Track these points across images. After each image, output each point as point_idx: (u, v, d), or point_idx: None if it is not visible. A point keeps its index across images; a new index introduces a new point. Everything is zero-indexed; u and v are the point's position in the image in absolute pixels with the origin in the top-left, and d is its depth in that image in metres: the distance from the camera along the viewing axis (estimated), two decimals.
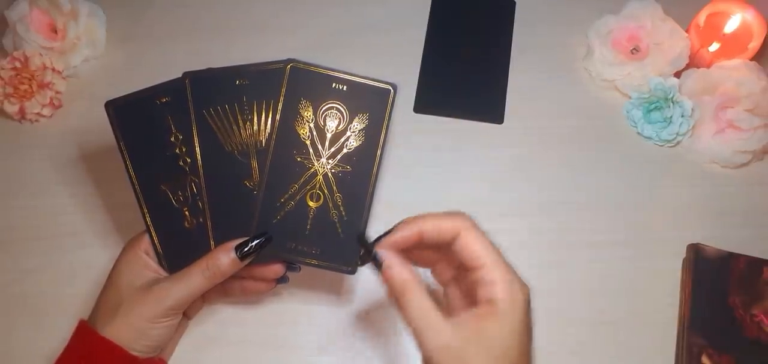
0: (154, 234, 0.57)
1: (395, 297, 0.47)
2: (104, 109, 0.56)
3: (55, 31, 0.78)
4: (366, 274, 0.65)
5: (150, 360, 0.56)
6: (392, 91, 0.56)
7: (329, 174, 0.56)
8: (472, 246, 0.46)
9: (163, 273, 0.57)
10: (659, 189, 0.71)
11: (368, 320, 0.65)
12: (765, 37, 0.72)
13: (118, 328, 0.53)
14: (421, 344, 0.44)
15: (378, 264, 0.48)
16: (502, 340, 0.44)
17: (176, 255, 0.57)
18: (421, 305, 0.45)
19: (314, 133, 0.56)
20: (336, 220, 0.56)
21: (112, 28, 0.82)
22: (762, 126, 0.69)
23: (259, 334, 0.64)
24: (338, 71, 0.56)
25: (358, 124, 0.56)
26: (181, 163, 0.57)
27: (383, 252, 0.48)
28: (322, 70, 0.56)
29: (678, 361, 0.61)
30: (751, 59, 0.72)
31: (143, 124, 0.56)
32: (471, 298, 0.47)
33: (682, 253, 0.66)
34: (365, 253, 0.50)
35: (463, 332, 0.44)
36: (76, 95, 0.78)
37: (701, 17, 0.74)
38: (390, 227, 0.49)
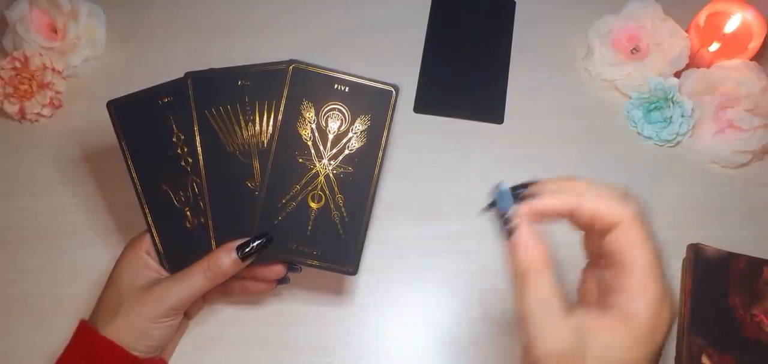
0: (155, 234, 0.57)
1: (516, 275, 0.40)
2: (106, 108, 0.56)
3: (55, 31, 0.78)
4: (366, 274, 0.66)
5: (151, 360, 0.56)
6: (394, 92, 0.56)
7: (331, 175, 0.56)
8: (627, 247, 0.38)
9: (164, 273, 0.57)
10: (659, 189, 0.71)
11: (369, 320, 0.65)
12: (765, 37, 0.72)
13: (119, 328, 0.53)
14: (532, 343, 0.38)
15: (509, 230, 0.40)
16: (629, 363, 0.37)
17: (177, 255, 0.57)
18: (544, 294, 0.38)
19: (316, 134, 0.56)
20: (337, 221, 0.56)
21: (112, 28, 0.82)
22: (762, 126, 0.69)
23: (259, 334, 0.64)
24: (340, 72, 0.56)
25: (359, 126, 0.56)
26: (182, 163, 0.57)
27: (519, 219, 0.40)
28: (324, 71, 0.56)
29: (678, 361, 0.62)
30: (751, 59, 0.72)
31: (145, 124, 0.56)
32: (608, 292, 0.39)
33: (682, 253, 0.67)
34: (495, 204, 0.42)
35: (585, 339, 0.37)
36: (76, 95, 0.77)
37: (701, 17, 0.74)
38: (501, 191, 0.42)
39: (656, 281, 0.37)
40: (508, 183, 0.42)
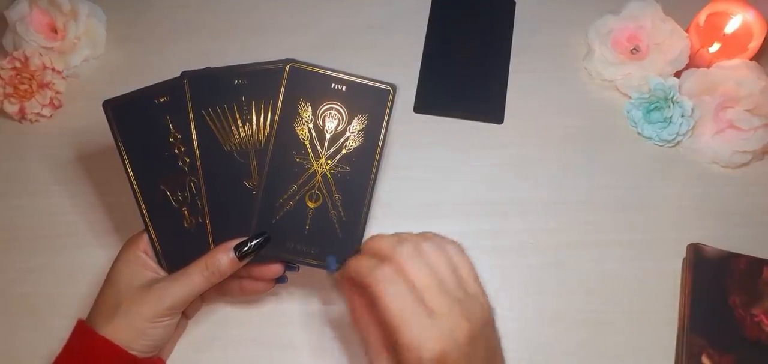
0: (153, 234, 0.57)
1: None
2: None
3: (55, 31, 0.78)
4: None
5: (149, 360, 0.56)
6: (392, 91, 0.55)
7: (328, 174, 0.56)
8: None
9: (161, 273, 0.57)
10: (659, 189, 0.71)
11: None
12: (765, 37, 0.72)
13: (117, 328, 0.53)
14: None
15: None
16: None
17: (175, 255, 0.57)
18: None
19: (313, 133, 0.56)
20: (335, 220, 0.56)
21: (112, 28, 0.82)
22: (762, 126, 0.69)
23: (257, 334, 0.64)
24: (337, 71, 0.56)
25: (357, 125, 0.56)
26: (180, 163, 0.57)
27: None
28: (321, 71, 0.56)
29: (678, 361, 0.61)
30: (751, 59, 0.72)
31: (142, 123, 0.56)
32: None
33: (682, 253, 0.66)
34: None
35: None
36: (76, 95, 0.78)
37: (701, 17, 0.74)
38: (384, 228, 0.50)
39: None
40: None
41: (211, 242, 0.57)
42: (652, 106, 0.72)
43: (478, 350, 0.45)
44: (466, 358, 0.43)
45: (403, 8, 0.83)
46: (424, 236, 0.50)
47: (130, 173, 0.56)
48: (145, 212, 0.57)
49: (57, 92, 0.76)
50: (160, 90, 0.56)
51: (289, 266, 0.59)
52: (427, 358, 0.42)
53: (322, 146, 0.56)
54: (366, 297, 0.46)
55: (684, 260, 0.66)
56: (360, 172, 0.56)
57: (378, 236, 0.49)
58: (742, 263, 0.64)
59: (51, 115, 0.76)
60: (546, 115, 0.75)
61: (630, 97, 0.75)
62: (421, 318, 0.43)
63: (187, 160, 0.56)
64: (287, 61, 0.56)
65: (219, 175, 0.57)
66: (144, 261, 0.56)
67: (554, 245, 0.68)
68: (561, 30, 0.81)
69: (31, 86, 0.74)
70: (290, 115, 0.56)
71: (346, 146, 0.56)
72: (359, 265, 0.47)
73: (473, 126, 0.75)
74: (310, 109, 0.56)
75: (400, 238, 0.48)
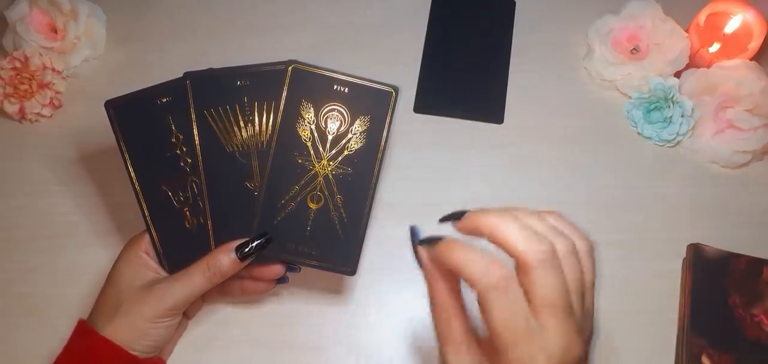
0: (154, 234, 0.57)
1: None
2: (104, 108, 0.56)
3: (55, 31, 0.78)
4: (365, 274, 0.66)
5: (149, 360, 0.56)
6: (394, 93, 0.55)
7: (330, 176, 0.56)
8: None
9: (162, 273, 0.57)
10: (659, 189, 0.71)
11: (368, 320, 0.65)
12: (765, 37, 0.72)
13: (118, 328, 0.53)
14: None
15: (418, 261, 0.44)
16: None
17: (176, 255, 0.57)
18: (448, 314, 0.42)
19: (315, 134, 0.56)
20: (336, 221, 0.56)
21: (112, 28, 0.82)
22: (762, 126, 0.69)
23: (258, 334, 0.64)
24: (340, 73, 0.56)
25: (359, 127, 0.56)
26: (181, 163, 0.57)
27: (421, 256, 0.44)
28: (323, 72, 0.56)
29: (678, 361, 0.62)
30: (751, 59, 0.72)
31: (144, 124, 0.56)
32: None
33: (682, 253, 0.66)
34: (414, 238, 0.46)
35: None
36: (76, 95, 0.77)
37: (701, 17, 0.74)
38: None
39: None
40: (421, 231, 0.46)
41: (212, 243, 0.57)
42: (652, 106, 0.72)
43: None
44: None
45: (403, 8, 0.83)
46: (556, 228, 0.42)
47: (132, 173, 0.56)
48: (146, 212, 0.57)
49: (57, 92, 0.76)
50: (163, 90, 0.56)
51: (291, 266, 0.59)
52: None
53: (324, 147, 0.56)
54: (453, 283, 0.43)
55: (684, 260, 0.66)
56: (362, 174, 0.56)
57: (492, 214, 0.41)
58: (742, 263, 0.64)
59: (51, 115, 0.76)
60: (546, 115, 0.75)
61: (630, 97, 0.75)
62: (533, 336, 0.38)
63: (189, 160, 0.56)
64: (290, 62, 0.56)
65: (221, 176, 0.57)
66: (145, 261, 0.56)
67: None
68: (561, 30, 0.81)
69: (31, 86, 0.74)
70: (292, 116, 0.56)
71: (347, 148, 0.56)
72: (468, 259, 0.40)
73: (473, 126, 0.75)
74: (312, 110, 0.56)
75: (524, 227, 0.40)
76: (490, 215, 0.41)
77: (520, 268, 0.39)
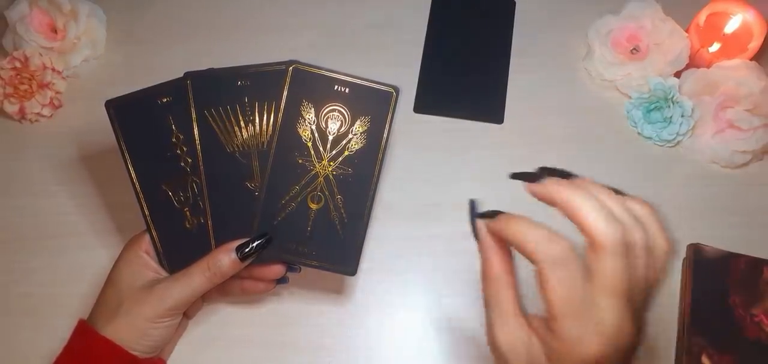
0: (154, 234, 0.57)
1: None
2: (104, 108, 0.56)
3: (55, 31, 0.78)
4: (366, 274, 0.66)
5: (149, 360, 0.56)
6: (394, 94, 0.55)
7: (330, 176, 0.56)
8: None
9: (163, 273, 0.57)
10: (659, 189, 0.71)
11: (369, 320, 0.65)
12: (765, 37, 0.72)
13: (118, 328, 0.53)
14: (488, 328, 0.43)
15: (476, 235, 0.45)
16: None
17: (177, 255, 0.57)
18: (500, 292, 0.43)
19: (316, 135, 0.56)
20: (337, 221, 0.56)
21: (112, 28, 0.82)
22: (762, 126, 0.69)
23: (258, 334, 0.64)
24: (340, 73, 0.56)
25: (359, 127, 0.56)
26: (182, 163, 0.57)
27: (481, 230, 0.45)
28: (324, 72, 0.56)
29: (678, 361, 0.62)
30: (751, 59, 0.72)
31: (144, 124, 0.56)
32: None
33: (682, 253, 0.66)
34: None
35: (532, 344, 0.41)
36: (76, 95, 0.77)
37: (701, 17, 0.74)
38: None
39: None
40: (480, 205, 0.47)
41: (212, 243, 0.57)
42: (652, 106, 0.72)
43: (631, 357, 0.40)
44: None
45: (403, 8, 0.83)
46: (640, 218, 0.41)
47: (132, 173, 0.56)
48: (146, 212, 0.57)
49: (57, 92, 0.76)
50: (163, 90, 0.56)
51: (291, 267, 0.59)
52: (581, 357, 0.37)
53: (324, 148, 0.56)
54: (507, 258, 0.44)
55: (684, 260, 0.66)
56: (362, 174, 0.56)
57: (570, 187, 0.41)
58: (742, 263, 0.64)
59: (51, 115, 0.76)
60: (546, 115, 0.75)
61: (630, 97, 0.75)
62: (588, 312, 0.37)
63: (190, 160, 0.56)
64: (290, 62, 0.56)
65: (221, 176, 0.57)
66: (145, 261, 0.56)
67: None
68: (561, 30, 0.81)
69: (31, 86, 0.74)
70: (293, 116, 0.56)
71: (348, 148, 0.56)
72: (529, 232, 0.40)
73: (473, 126, 0.75)
74: (312, 110, 0.56)
75: (602, 206, 0.39)
76: (568, 186, 0.41)
77: (591, 246, 0.38)
